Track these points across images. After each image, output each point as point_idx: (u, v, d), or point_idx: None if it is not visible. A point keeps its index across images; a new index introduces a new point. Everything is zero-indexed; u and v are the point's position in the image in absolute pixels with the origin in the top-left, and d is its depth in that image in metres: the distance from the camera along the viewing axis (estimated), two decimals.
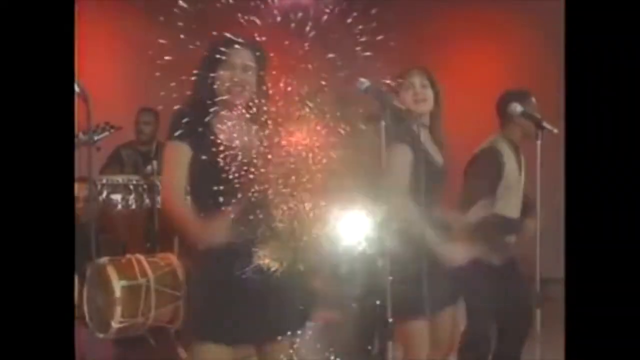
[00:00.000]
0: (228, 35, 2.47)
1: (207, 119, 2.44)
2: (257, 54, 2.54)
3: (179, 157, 2.47)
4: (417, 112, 3.02)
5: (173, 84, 2.34)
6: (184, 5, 2.26)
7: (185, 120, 2.43)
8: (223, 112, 2.51)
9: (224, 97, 2.49)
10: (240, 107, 2.52)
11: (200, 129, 2.42)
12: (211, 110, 2.46)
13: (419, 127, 2.92)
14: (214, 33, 2.48)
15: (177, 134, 2.43)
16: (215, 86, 2.49)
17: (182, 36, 2.28)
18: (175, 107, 2.48)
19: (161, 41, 2.29)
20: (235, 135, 2.47)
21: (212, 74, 2.48)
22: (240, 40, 2.50)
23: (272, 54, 2.53)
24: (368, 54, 2.43)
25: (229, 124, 2.49)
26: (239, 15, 2.30)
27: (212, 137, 2.43)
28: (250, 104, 2.53)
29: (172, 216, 2.51)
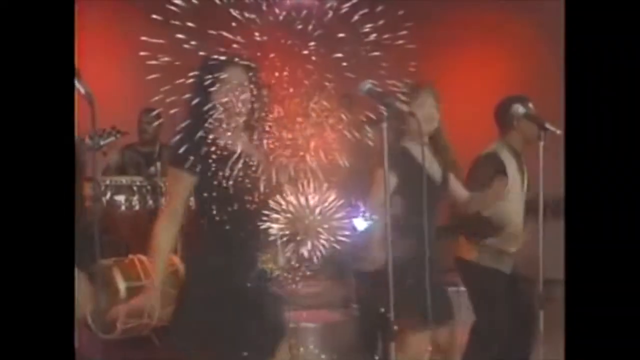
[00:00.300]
0: (221, 57, 2.48)
1: (205, 149, 2.44)
2: (250, 74, 2.53)
3: (180, 187, 2.51)
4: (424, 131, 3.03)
5: (167, 87, 2.34)
6: (183, 4, 2.26)
7: (184, 148, 2.43)
8: (222, 128, 2.51)
9: (221, 117, 2.50)
10: (238, 126, 2.54)
11: (199, 155, 2.43)
12: (209, 137, 2.46)
13: (422, 147, 2.90)
14: (212, 32, 2.48)
15: (178, 163, 2.46)
16: (211, 108, 2.48)
17: (181, 36, 2.28)
18: (174, 139, 2.48)
19: (160, 41, 2.29)
20: (233, 146, 2.48)
21: (207, 96, 2.48)
22: (234, 59, 2.50)
23: (273, 55, 2.52)
24: (373, 54, 2.43)
25: (229, 141, 2.51)
26: (238, 12, 2.29)
27: (212, 152, 2.44)
28: (246, 109, 2.54)
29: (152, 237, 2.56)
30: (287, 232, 2.36)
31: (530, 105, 3.63)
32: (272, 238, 2.38)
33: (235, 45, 2.47)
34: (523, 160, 3.73)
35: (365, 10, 2.43)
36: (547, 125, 3.14)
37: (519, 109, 3.48)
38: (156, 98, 2.39)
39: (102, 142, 4.45)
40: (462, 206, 3.42)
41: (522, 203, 3.78)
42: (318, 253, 2.37)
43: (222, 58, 2.50)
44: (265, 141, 2.48)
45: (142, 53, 2.26)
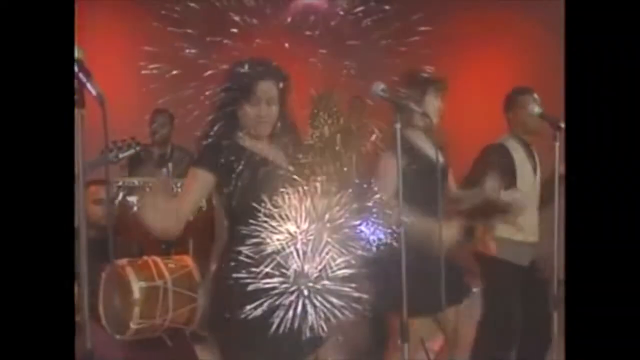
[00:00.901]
0: (252, 65, 2.46)
1: (228, 143, 2.48)
2: (281, 85, 2.52)
3: (199, 184, 2.50)
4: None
5: (175, 90, 2.37)
6: (179, 8, 2.29)
7: (211, 152, 2.46)
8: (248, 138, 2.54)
9: (248, 128, 2.52)
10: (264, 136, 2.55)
11: (222, 160, 2.45)
12: (235, 139, 2.50)
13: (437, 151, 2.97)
14: (224, 40, 2.50)
15: (201, 162, 2.48)
16: (239, 118, 2.51)
17: (185, 45, 2.31)
18: (205, 142, 2.50)
19: (155, 47, 2.32)
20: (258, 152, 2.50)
21: (236, 106, 2.49)
22: (265, 70, 2.49)
23: (277, 60, 2.54)
24: (383, 58, 2.44)
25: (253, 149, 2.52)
26: (241, 18, 2.31)
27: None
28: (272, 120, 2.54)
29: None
30: (288, 244, 2.13)
31: (536, 96, 3.66)
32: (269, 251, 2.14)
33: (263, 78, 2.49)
34: (532, 149, 3.75)
35: (378, 15, 2.45)
36: (562, 125, 3.15)
37: (535, 108, 3.50)
38: (167, 99, 2.42)
39: (120, 155, 4.44)
40: (453, 202, 3.43)
41: (536, 190, 3.79)
42: (328, 270, 2.17)
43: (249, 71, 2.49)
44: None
45: (143, 64, 2.29)
